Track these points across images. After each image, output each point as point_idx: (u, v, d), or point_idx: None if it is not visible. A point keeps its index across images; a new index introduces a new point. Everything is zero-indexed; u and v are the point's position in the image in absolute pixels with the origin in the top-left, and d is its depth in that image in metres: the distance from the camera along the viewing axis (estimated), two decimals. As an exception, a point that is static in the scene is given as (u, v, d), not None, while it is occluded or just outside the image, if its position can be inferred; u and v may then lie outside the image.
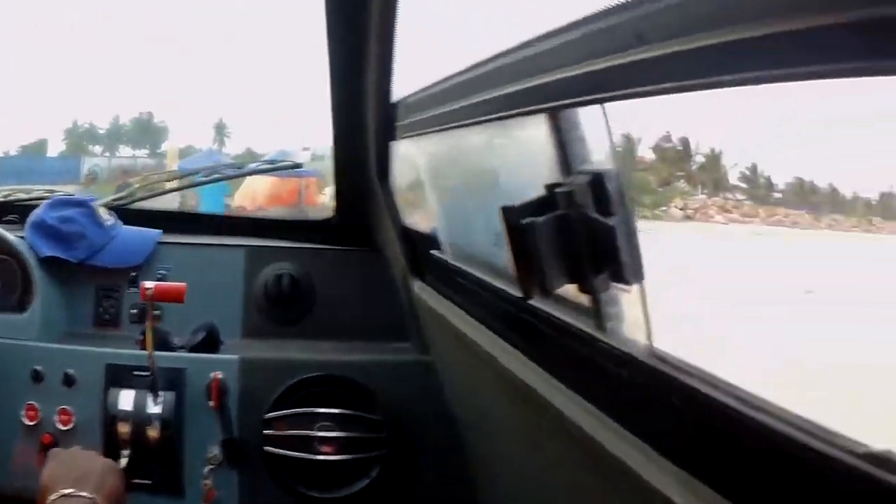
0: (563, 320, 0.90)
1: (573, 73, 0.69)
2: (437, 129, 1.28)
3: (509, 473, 1.22)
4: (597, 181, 0.74)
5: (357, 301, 1.79)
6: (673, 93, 0.55)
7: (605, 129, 0.73)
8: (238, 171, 2.35)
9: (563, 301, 0.90)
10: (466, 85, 1.07)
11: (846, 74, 0.40)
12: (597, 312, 0.81)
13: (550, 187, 0.78)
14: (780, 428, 0.53)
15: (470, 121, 1.06)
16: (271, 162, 2.40)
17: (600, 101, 0.71)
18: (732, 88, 0.49)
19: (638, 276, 0.71)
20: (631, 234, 0.72)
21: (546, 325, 0.95)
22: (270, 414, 1.52)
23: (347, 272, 1.82)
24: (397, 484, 1.54)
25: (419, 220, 1.67)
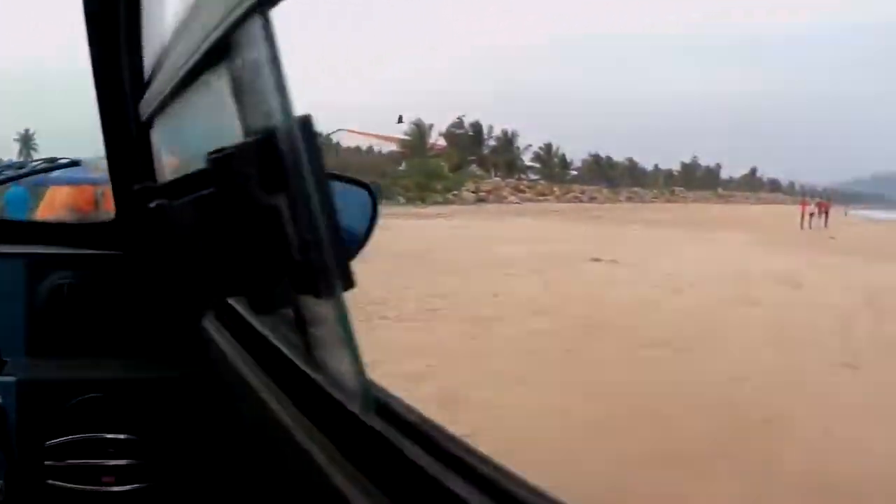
0: (274, 344, 0.73)
1: None
2: (163, 95, 1.02)
3: None
4: (269, 144, 0.48)
5: (145, 310, 1.64)
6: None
7: (268, 58, 0.47)
8: (18, 172, 2.15)
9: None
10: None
11: None
12: (302, 332, 0.57)
13: (210, 156, 0.52)
14: None
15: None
16: (50, 161, 2.21)
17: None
18: None
19: (332, 283, 0.46)
20: (317, 219, 0.46)
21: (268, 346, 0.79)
22: (52, 441, 1.40)
23: (132, 278, 1.67)
24: None
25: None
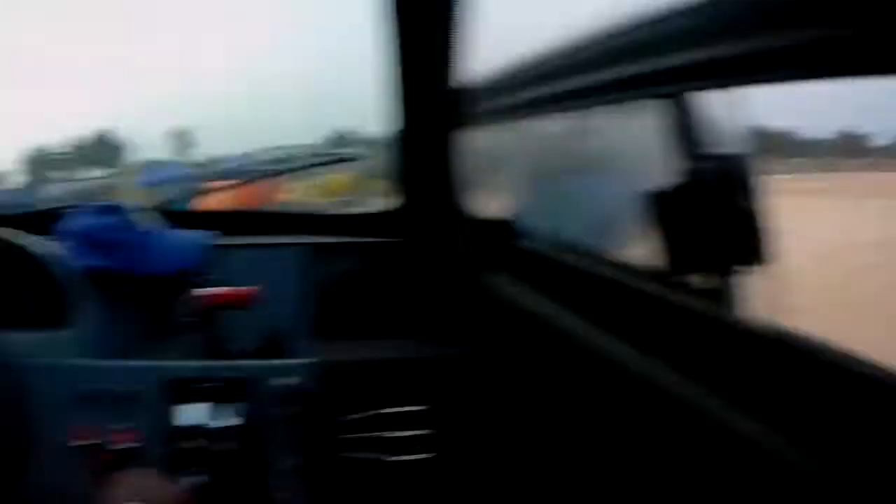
0: (689, 305, 0.86)
1: (700, 56, 0.69)
2: (525, 114, 1.24)
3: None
4: (727, 166, 0.77)
5: (425, 295, 1.72)
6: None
7: (723, 111, 0.76)
8: (300, 164, 2.17)
9: (681, 286, 0.88)
10: (560, 67, 1.03)
11: None
12: (724, 296, 0.82)
13: (689, 172, 0.81)
14: None
15: (564, 106, 1.06)
16: (329, 154, 2.28)
17: (729, 84, 0.71)
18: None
19: (765, 256, 0.74)
20: (756, 217, 0.75)
21: (669, 312, 0.90)
22: (347, 417, 1.46)
23: (414, 266, 1.74)
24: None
25: (493, 208, 1.63)
